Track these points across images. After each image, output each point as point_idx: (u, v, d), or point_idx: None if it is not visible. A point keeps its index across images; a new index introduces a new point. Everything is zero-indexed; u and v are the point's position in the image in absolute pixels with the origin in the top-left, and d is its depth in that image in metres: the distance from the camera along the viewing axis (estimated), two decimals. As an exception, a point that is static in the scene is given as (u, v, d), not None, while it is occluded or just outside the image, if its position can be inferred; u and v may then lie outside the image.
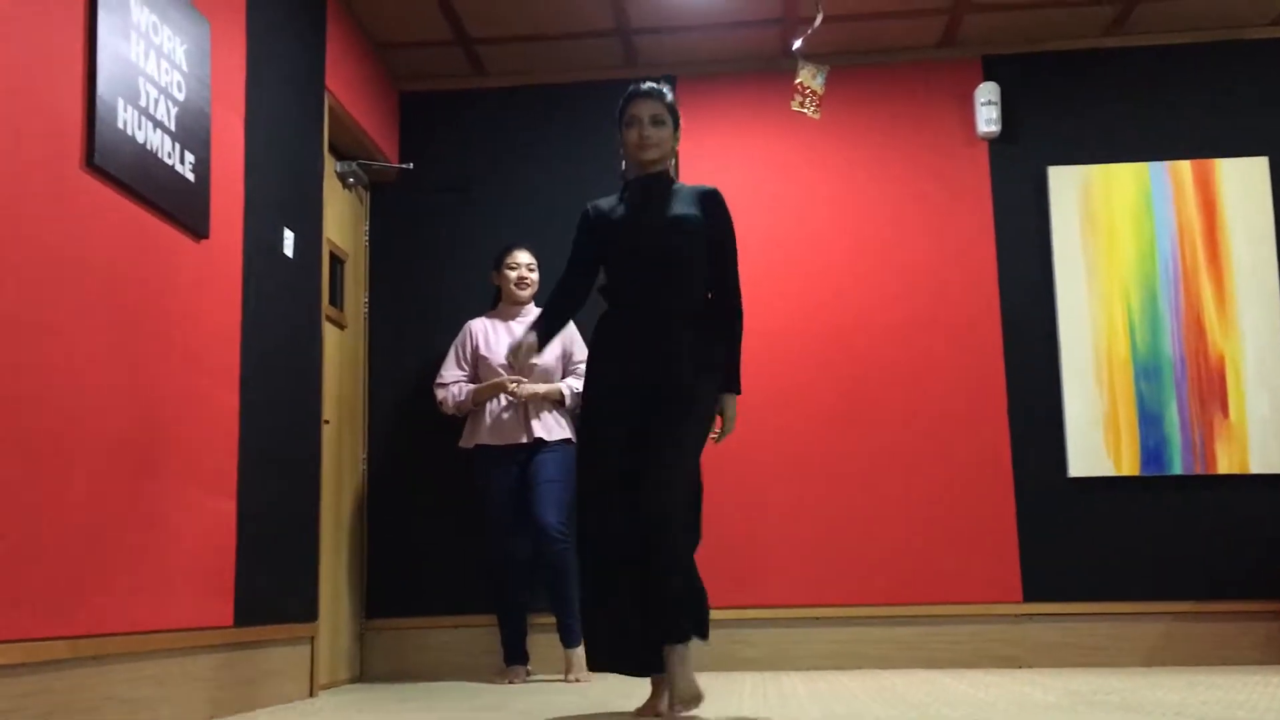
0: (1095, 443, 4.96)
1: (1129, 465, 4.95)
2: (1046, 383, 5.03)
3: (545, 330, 3.37)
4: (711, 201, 3.33)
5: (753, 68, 5.30)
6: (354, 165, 5.05)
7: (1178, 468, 4.92)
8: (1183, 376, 4.97)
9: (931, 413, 5.05)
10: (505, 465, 4.64)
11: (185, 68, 3.36)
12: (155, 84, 3.18)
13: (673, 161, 3.44)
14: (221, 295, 3.59)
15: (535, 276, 4.86)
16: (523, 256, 4.86)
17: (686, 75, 5.35)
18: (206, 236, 3.47)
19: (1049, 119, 5.19)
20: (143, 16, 3.12)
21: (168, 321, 3.24)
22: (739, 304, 3.33)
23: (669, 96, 3.36)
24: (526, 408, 4.64)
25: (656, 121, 3.31)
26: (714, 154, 5.26)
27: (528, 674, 4.70)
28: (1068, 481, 4.97)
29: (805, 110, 3.76)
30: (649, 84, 3.37)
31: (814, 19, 3.67)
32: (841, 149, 5.23)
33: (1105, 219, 5.08)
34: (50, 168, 2.74)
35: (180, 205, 3.29)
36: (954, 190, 5.19)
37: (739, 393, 3.30)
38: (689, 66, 5.34)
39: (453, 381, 4.77)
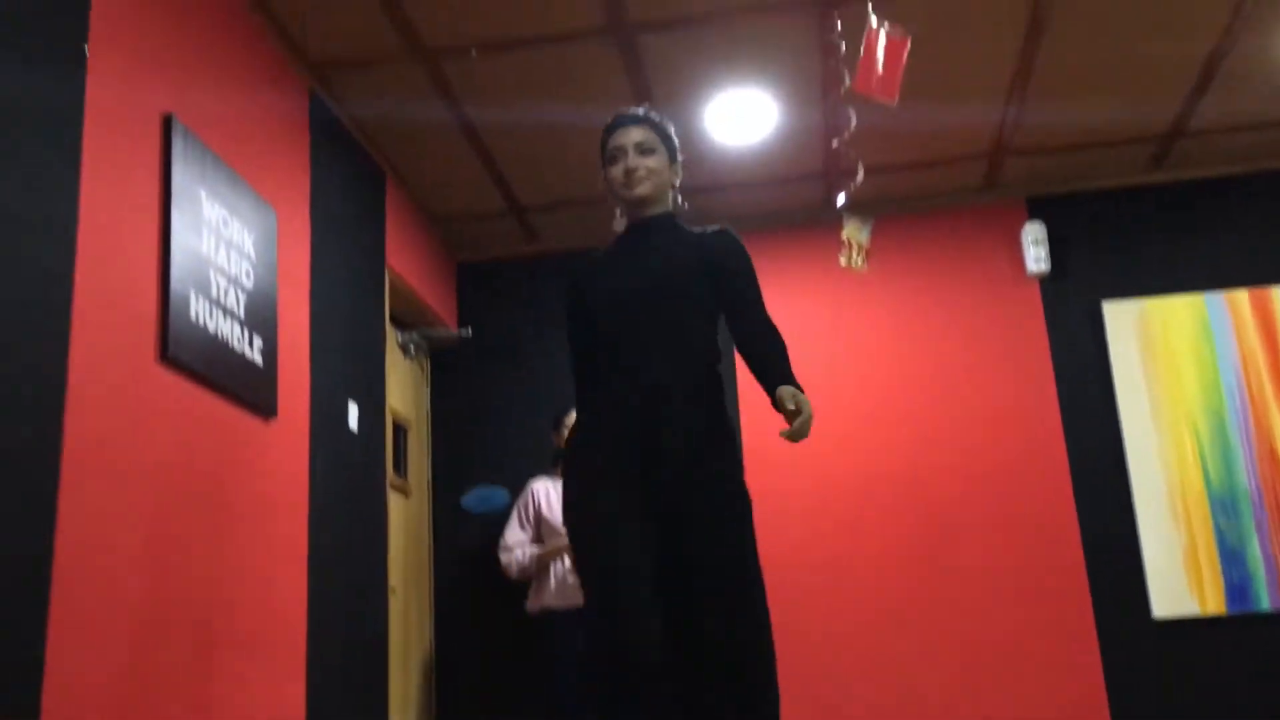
0: (1177, 581, 4.81)
1: (1214, 604, 4.78)
2: (1121, 521, 4.91)
3: None
4: (721, 243, 2.69)
5: (798, 221, 5.40)
6: (414, 334, 5.18)
7: (1266, 604, 4.75)
8: (1261, 509, 4.83)
9: (1005, 556, 4.94)
10: (573, 629, 4.58)
11: (254, 256, 3.49)
12: (225, 274, 3.30)
13: (677, 200, 2.81)
14: (289, 472, 3.65)
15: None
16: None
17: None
18: (275, 416, 3.55)
19: (1099, 254, 5.21)
20: (213, 212, 3.27)
21: (238, 502, 3.29)
22: (774, 329, 2.63)
23: (659, 120, 2.74)
24: None
25: (644, 150, 2.68)
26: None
27: None
28: (1152, 623, 4.81)
29: (853, 265, 3.80)
30: (634, 109, 2.77)
31: (855, 175, 3.74)
32: (892, 296, 5.27)
33: (1165, 351, 5.03)
34: (128, 361, 2.84)
35: (249, 388, 3.38)
36: (1009, 330, 5.19)
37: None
38: (735, 223, 5.40)
39: (516, 545, 4.74)
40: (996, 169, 5.13)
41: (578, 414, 2.66)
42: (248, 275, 3.44)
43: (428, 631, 5.11)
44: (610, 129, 2.73)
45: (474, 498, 4.58)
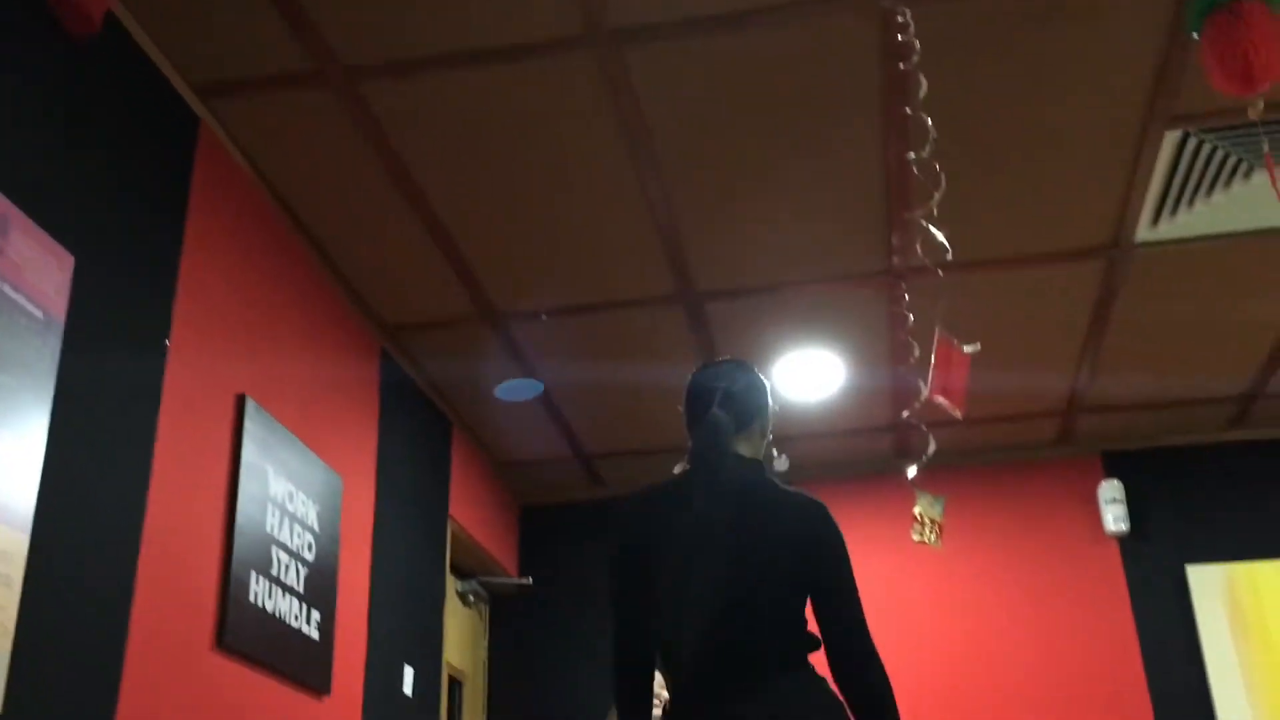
0: None
1: None
2: (1217, 802, 4.58)
3: None
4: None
5: (867, 471, 5.31)
6: (474, 583, 5.10)
7: None
8: (1373, 796, 4.48)
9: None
10: None
11: (317, 528, 3.48)
12: (288, 550, 3.29)
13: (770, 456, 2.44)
14: (340, 750, 3.53)
15: (665, 694, 4.65)
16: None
17: (801, 480, 5.37)
18: (329, 693, 3.46)
19: (1180, 515, 5.03)
20: (280, 487, 3.28)
21: (285, 790, 3.18)
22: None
23: (747, 380, 2.31)
24: None
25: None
26: (834, 559, 5.18)
27: None
28: None
29: (926, 540, 3.69)
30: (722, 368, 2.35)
31: (927, 447, 3.67)
32: (965, 552, 5.11)
33: (1256, 619, 4.78)
34: (184, 648, 2.79)
35: (304, 666, 3.31)
36: (1088, 591, 4.98)
37: None
38: (804, 471, 5.38)
39: None
40: (1070, 425, 5.04)
41: None
42: (309, 548, 3.42)
43: None
44: (690, 389, 2.33)
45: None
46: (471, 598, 5.10)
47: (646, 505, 2.25)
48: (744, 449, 2.23)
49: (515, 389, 4.39)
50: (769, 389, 2.35)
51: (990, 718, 4.85)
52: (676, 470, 2.28)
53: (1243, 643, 4.77)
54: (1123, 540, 5.03)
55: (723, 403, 2.21)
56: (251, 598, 3.06)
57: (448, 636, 4.68)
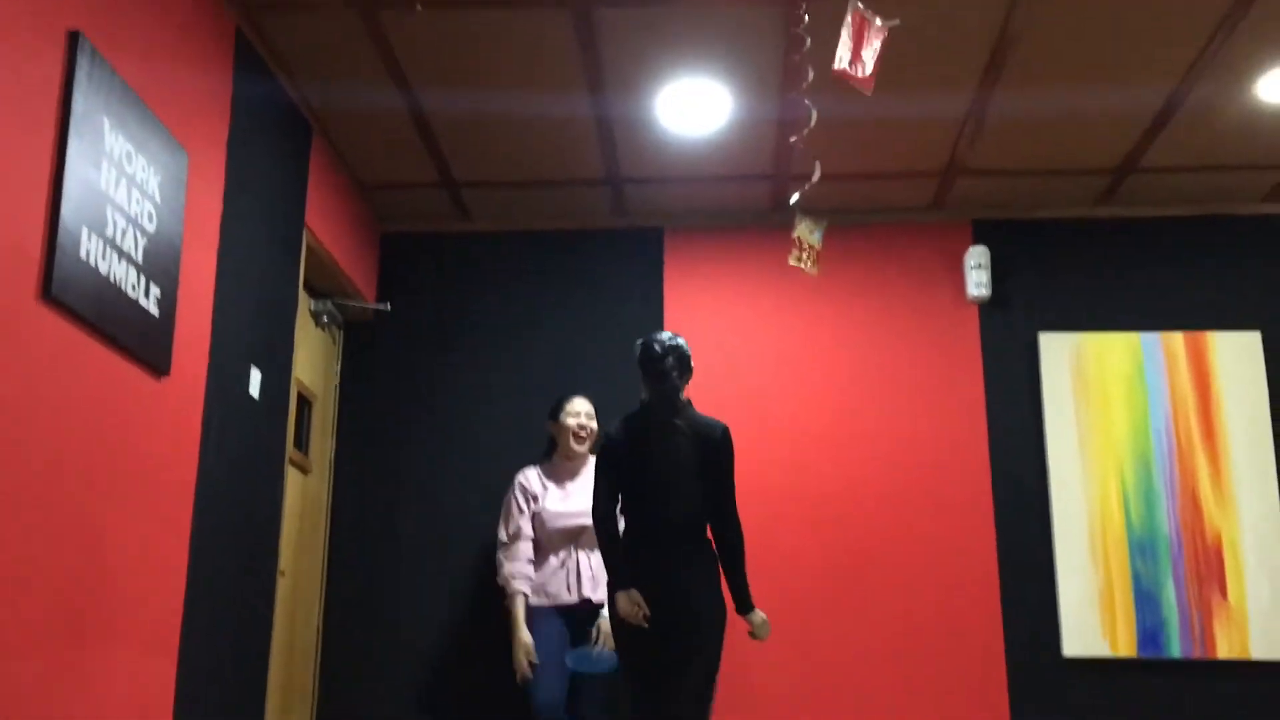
0: (1090, 621, 4.73)
1: (1125, 646, 4.72)
2: (1040, 555, 4.83)
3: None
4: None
5: (744, 222, 5.24)
6: (329, 304, 4.90)
7: (1176, 650, 4.69)
8: (1179, 555, 4.78)
9: (922, 585, 4.82)
10: (553, 621, 4.35)
11: (159, 199, 3.21)
12: (125, 214, 3.02)
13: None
14: (179, 436, 3.36)
15: (594, 426, 4.58)
16: (582, 405, 4.54)
17: (676, 227, 5.28)
18: (167, 374, 3.27)
19: (1040, 285, 5.12)
20: (117, 145, 2.99)
21: (119, 462, 3.01)
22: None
23: (685, 352, 3.80)
24: (578, 564, 4.36)
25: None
26: (702, 307, 5.15)
27: None
28: (1062, 661, 4.73)
29: (803, 265, 3.63)
30: (663, 340, 3.79)
31: (811, 175, 3.57)
32: (831, 307, 5.13)
33: (1098, 388, 4.96)
34: (7, 292, 2.55)
35: (141, 341, 3.10)
36: (945, 354, 5.08)
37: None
38: (678, 219, 5.28)
39: (524, 562, 4.36)
40: (947, 187, 5.02)
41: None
42: (149, 218, 3.16)
43: (316, 618, 4.83)
44: (647, 351, 3.78)
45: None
46: (325, 319, 4.90)
47: (628, 430, 3.76)
48: (682, 392, 3.78)
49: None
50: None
51: (839, 464, 4.97)
52: (641, 399, 3.80)
53: (1082, 408, 4.95)
54: (982, 306, 5.10)
55: (674, 364, 3.74)
56: (83, 254, 2.81)
57: (299, 355, 4.50)
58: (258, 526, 3.95)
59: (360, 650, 4.83)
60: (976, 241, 5.15)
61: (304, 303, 4.61)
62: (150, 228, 3.16)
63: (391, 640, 4.84)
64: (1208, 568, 4.77)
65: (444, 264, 5.31)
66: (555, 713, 4.21)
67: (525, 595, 4.33)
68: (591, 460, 4.57)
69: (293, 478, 4.51)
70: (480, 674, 4.74)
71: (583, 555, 4.36)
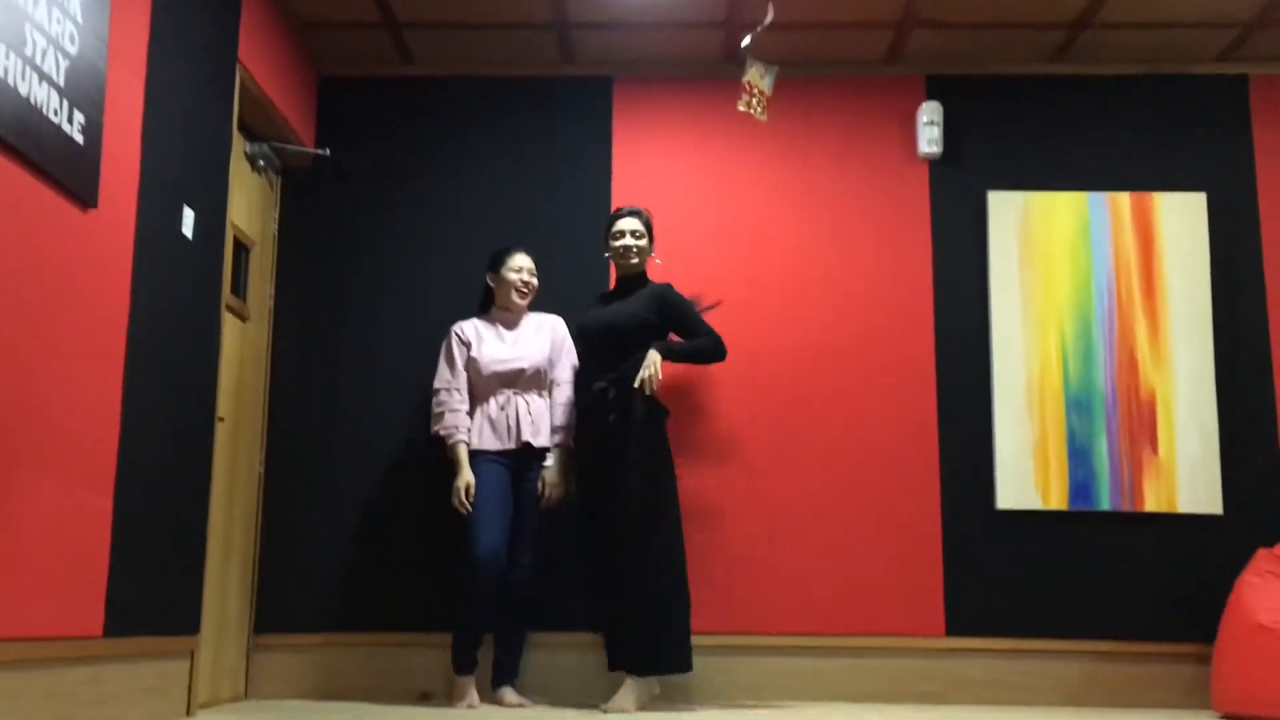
0: (1024, 475, 4.84)
1: (1057, 499, 4.84)
2: (978, 409, 4.90)
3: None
4: (669, 293, 4.41)
5: (694, 72, 5.11)
6: (265, 147, 4.74)
7: (1105, 504, 4.82)
8: (1113, 411, 4.88)
9: (863, 437, 4.89)
10: (492, 466, 4.37)
11: (80, 19, 3.05)
12: (44, 33, 2.86)
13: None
14: (109, 272, 3.26)
15: (535, 282, 4.54)
16: (525, 260, 4.52)
17: (626, 76, 5.14)
18: (95, 206, 3.15)
19: (991, 142, 5.09)
20: (33, -44, 2.81)
21: (45, 295, 2.91)
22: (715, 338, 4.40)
23: (647, 217, 4.44)
24: (516, 409, 4.36)
25: (637, 236, 4.42)
26: (651, 160, 5.06)
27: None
28: (995, 514, 4.84)
29: (753, 111, 3.56)
30: (632, 208, 4.46)
31: (764, 18, 3.48)
32: (781, 160, 5.06)
33: (1043, 246, 4.98)
34: (-87, 112, 2.42)
35: (66, 168, 2.97)
36: (893, 209, 5.05)
37: (665, 357, 4.24)
38: (628, 67, 5.14)
39: (462, 412, 4.38)
40: (901, 41, 4.92)
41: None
42: (71, 40, 3.00)
43: (257, 464, 4.80)
44: (617, 217, 4.45)
45: None
46: (262, 162, 4.75)
47: (595, 303, 4.51)
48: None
49: None
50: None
51: (785, 314, 4.97)
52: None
53: (1026, 264, 4.97)
54: (933, 163, 5.07)
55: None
56: (1, 73, 2.67)
57: (236, 199, 4.37)
58: (195, 370, 3.88)
59: (301, 498, 4.83)
60: (930, 97, 5.08)
61: (239, 144, 4.45)
62: (72, 49, 3.00)
63: (333, 487, 4.84)
64: (1140, 424, 4.87)
65: (385, 109, 5.15)
66: (495, 561, 4.25)
67: (465, 443, 4.34)
68: (530, 315, 4.54)
69: (231, 325, 4.43)
70: (421, 522, 4.76)
71: (521, 400, 4.37)
